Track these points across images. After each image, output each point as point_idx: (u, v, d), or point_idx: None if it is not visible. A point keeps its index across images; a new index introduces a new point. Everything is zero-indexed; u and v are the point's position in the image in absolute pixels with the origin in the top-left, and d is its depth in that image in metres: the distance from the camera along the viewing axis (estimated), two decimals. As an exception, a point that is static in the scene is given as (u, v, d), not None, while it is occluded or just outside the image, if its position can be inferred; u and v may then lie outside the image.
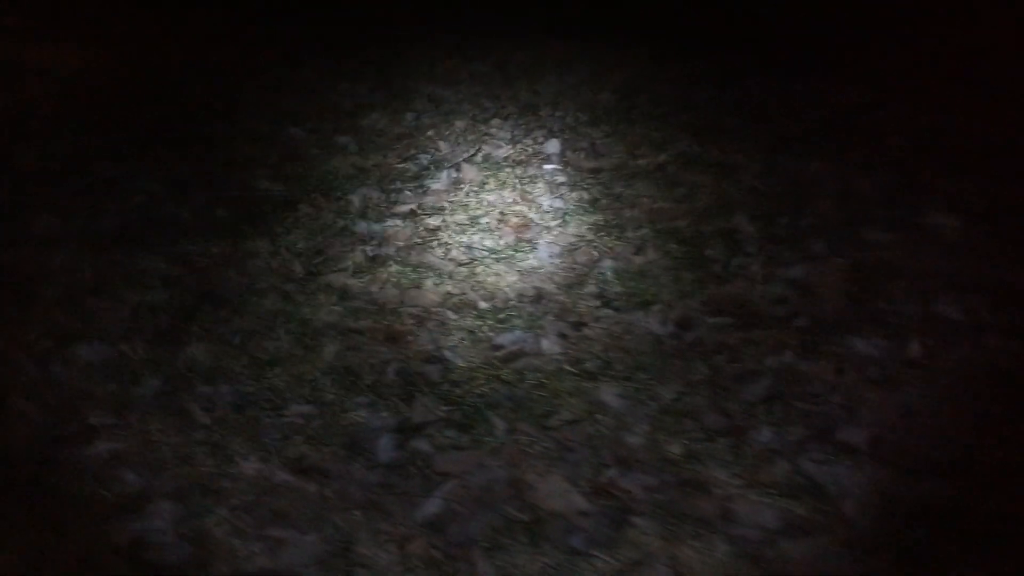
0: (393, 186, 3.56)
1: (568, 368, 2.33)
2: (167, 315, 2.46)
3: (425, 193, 3.51)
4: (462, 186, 3.58)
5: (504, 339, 2.51)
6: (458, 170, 3.72)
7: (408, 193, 3.50)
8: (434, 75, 5.44)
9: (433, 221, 3.25)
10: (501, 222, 3.28)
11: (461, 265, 2.94)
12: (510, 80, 5.40)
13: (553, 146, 4.07)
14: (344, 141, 4.07)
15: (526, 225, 3.26)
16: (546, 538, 1.73)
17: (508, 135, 4.25)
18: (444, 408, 2.15)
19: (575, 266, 2.98)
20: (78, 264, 2.67)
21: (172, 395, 2.10)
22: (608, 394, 2.21)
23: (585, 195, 3.57)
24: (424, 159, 3.87)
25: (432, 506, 1.81)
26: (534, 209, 3.40)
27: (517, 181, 3.65)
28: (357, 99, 4.83)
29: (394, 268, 2.88)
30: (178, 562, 1.59)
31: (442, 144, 4.07)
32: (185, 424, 2.00)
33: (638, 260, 3.02)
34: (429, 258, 2.98)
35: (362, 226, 3.16)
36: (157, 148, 3.81)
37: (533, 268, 2.95)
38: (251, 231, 3.07)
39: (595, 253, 3.08)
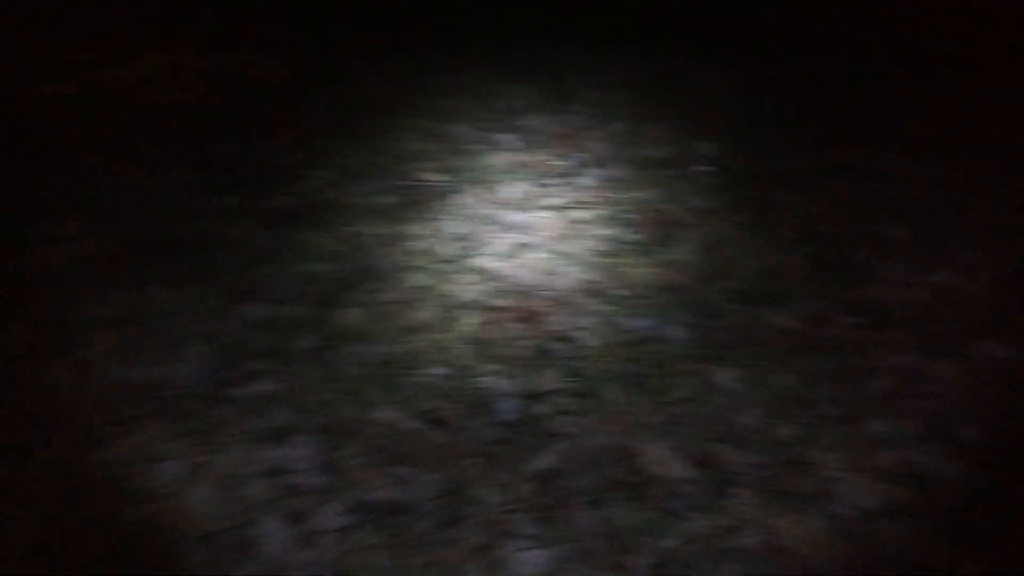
0: (546, 181, 3.76)
1: (690, 352, 2.43)
2: (328, 284, 2.74)
3: (576, 189, 3.68)
4: (613, 183, 3.74)
5: (634, 324, 2.64)
6: (610, 168, 3.88)
7: (560, 188, 3.68)
8: (594, 80, 5.63)
9: (580, 214, 3.42)
10: (645, 218, 3.40)
11: (602, 255, 3.09)
12: (670, 86, 5.52)
13: (709, 148, 4.16)
14: (504, 139, 4.31)
15: (670, 222, 3.38)
16: (647, 498, 1.86)
17: (664, 136, 4.37)
18: (567, 379, 2.30)
19: (715, 262, 3.07)
20: (253, 237, 3.01)
21: (324, 351, 2.36)
22: (725, 378, 2.30)
23: (735, 196, 3.64)
24: (579, 157, 4.05)
25: (543, 461, 1.97)
26: (681, 207, 3.50)
27: (668, 180, 3.77)
28: (519, 100, 5.07)
29: (537, 255, 3.06)
30: (312, 487, 1.83)
31: (598, 144, 4.24)
32: (333, 375, 2.25)
33: (778, 259, 3.08)
34: (572, 248, 3.14)
35: (512, 216, 3.37)
36: (329, 141, 4.17)
37: (671, 262, 3.06)
38: (411, 216, 3.34)
39: (736, 251, 3.15)
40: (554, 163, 4.00)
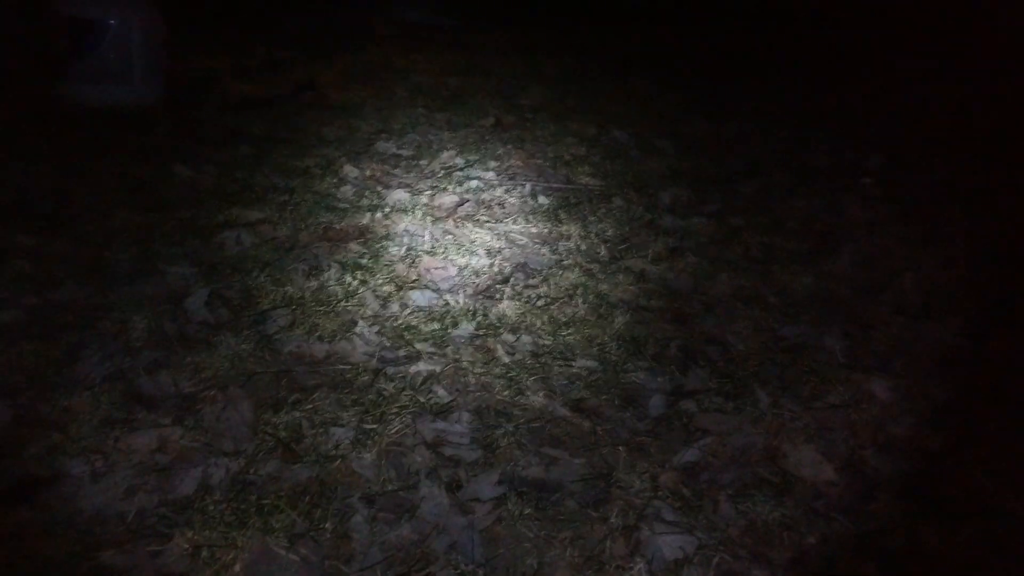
0: (703, 187, 3.81)
1: (843, 360, 2.45)
2: (486, 277, 2.90)
3: (734, 196, 3.72)
4: (772, 191, 3.75)
5: (788, 331, 2.67)
6: (770, 176, 3.90)
7: (717, 194, 3.73)
8: (760, 89, 5.62)
9: (736, 221, 3.46)
10: (804, 226, 3.41)
11: (758, 262, 3.13)
12: (838, 94, 5.44)
13: (875, 160, 4.10)
14: (663, 144, 4.38)
15: (831, 231, 3.37)
16: (791, 496, 1.90)
17: (828, 146, 4.34)
18: (717, 380, 2.37)
19: (875, 274, 3.05)
20: (419, 231, 3.21)
21: (483, 338, 2.51)
22: (879, 386, 2.31)
23: (901, 209, 3.59)
24: (737, 164, 4.08)
25: (689, 455, 2.04)
26: (844, 217, 3.49)
27: (829, 190, 3.75)
28: (680, 108, 5.13)
29: (692, 259, 3.12)
30: (469, 460, 1.98)
31: (758, 151, 4.26)
32: (490, 360, 2.40)
33: (945, 275, 3.03)
34: (727, 254, 3.19)
35: (668, 220, 3.45)
36: (493, 144, 4.36)
37: (831, 272, 3.06)
38: (567, 217, 3.47)
39: (900, 264, 3.12)
40: (712, 170, 4.04)
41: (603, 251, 3.19)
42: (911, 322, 2.73)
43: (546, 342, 2.54)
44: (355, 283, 2.79)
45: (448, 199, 3.57)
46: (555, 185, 3.86)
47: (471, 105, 5.17)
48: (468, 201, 3.58)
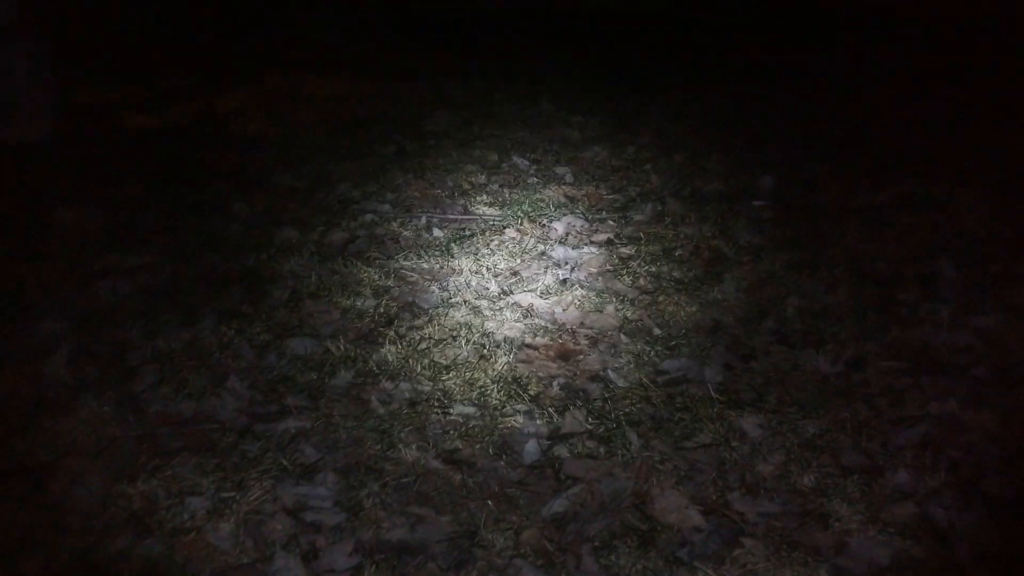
0: (598, 215, 3.80)
1: (717, 396, 2.44)
2: (369, 320, 2.84)
3: (627, 224, 3.71)
4: (664, 218, 3.75)
5: (669, 365, 2.65)
6: (663, 203, 3.90)
7: (611, 223, 3.72)
8: (664, 108, 5.64)
9: (627, 250, 3.45)
10: (693, 254, 3.41)
11: (645, 293, 3.12)
12: (740, 114, 5.49)
13: (767, 182, 4.14)
14: (562, 172, 4.37)
15: (718, 259, 3.38)
16: (655, 546, 1.87)
17: (724, 169, 4.36)
18: (593, 421, 2.34)
19: (759, 301, 3.06)
20: (305, 271, 3.14)
21: (359, 388, 2.45)
22: (750, 424, 2.30)
23: (788, 232, 3.62)
24: (633, 191, 4.08)
25: (558, 504, 2.00)
26: (730, 244, 3.50)
27: (720, 216, 3.77)
28: (586, 132, 5.13)
29: (580, 292, 3.10)
30: (330, 525, 1.91)
31: (655, 177, 4.27)
32: (364, 412, 2.33)
33: (826, 299, 3.05)
34: (616, 285, 3.17)
35: (559, 252, 3.42)
36: (393, 173, 4.30)
37: (716, 301, 3.06)
38: (460, 251, 3.43)
39: (782, 289, 3.14)
40: (608, 197, 4.04)
41: (493, 286, 3.15)
42: (789, 351, 2.73)
43: (425, 388, 2.49)
44: (231, 333, 2.70)
45: (339, 236, 3.51)
46: (451, 216, 3.82)
47: (375, 132, 5.11)
48: (360, 237, 3.51)
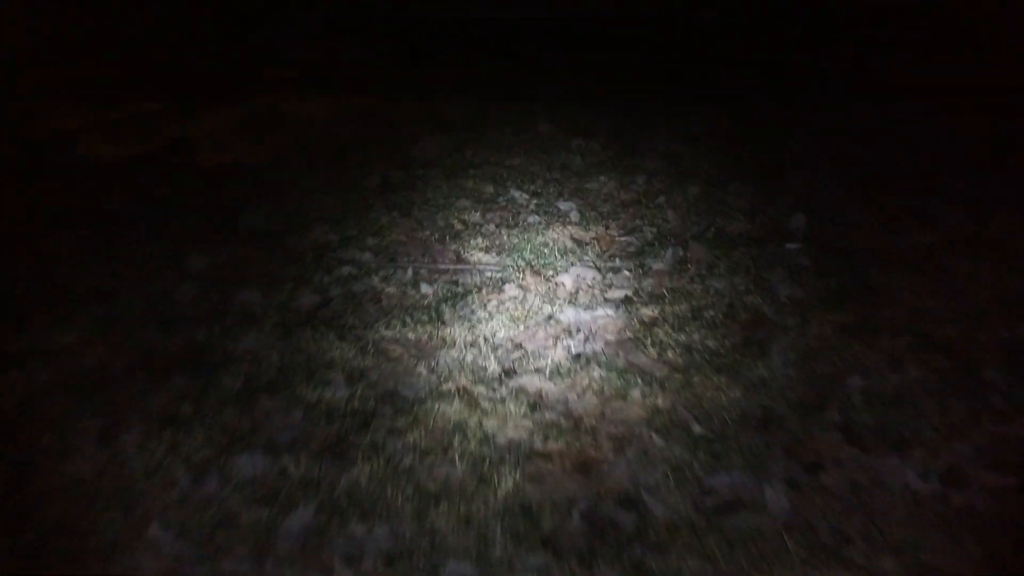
0: (611, 264, 3.11)
1: (795, 542, 1.76)
2: (339, 421, 2.15)
3: (645, 274, 3.03)
4: (688, 267, 3.07)
5: (718, 481, 1.98)
6: (685, 247, 3.21)
7: (626, 274, 3.03)
8: (671, 128, 4.96)
9: (650, 311, 2.76)
10: (728, 316, 2.73)
11: (676, 370, 2.44)
12: (754, 136, 4.80)
13: (798, 220, 3.45)
14: (566, 208, 3.67)
15: (758, 321, 2.70)
16: None
17: (747, 204, 3.68)
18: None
19: (815, 380, 2.39)
20: (265, 350, 2.45)
21: (320, 534, 1.77)
22: (843, 587, 1.63)
23: (833, 284, 2.94)
24: (649, 232, 3.39)
25: None
26: (769, 301, 2.82)
27: (752, 263, 3.09)
28: (589, 157, 4.44)
29: (598, 372, 2.42)
30: None
31: (671, 214, 3.58)
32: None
33: (894, 379, 2.37)
34: (640, 359, 2.49)
35: (570, 314, 2.74)
36: (370, 212, 3.61)
37: (762, 380, 2.39)
38: (452, 314, 2.74)
39: (840, 364, 2.46)
40: (621, 239, 3.35)
41: (492, 363, 2.47)
42: (864, 457, 2.06)
43: (407, 531, 1.80)
44: (162, 450, 2.01)
45: (309, 299, 2.81)
46: (442, 266, 3.12)
47: (359, 160, 4.40)
48: (334, 299, 2.82)
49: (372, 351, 2.50)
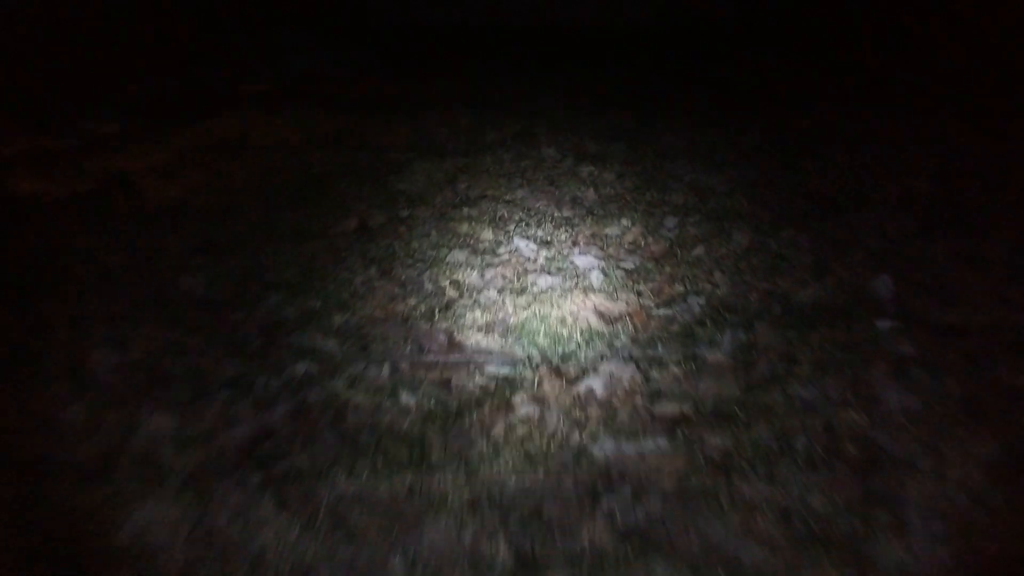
0: (652, 353, 2.21)
1: None
2: None
3: (700, 372, 2.12)
4: (757, 361, 2.16)
5: None
6: (748, 329, 2.31)
7: (675, 371, 2.12)
8: (694, 152, 4.05)
9: (718, 440, 1.86)
10: (831, 450, 1.83)
11: (776, 553, 1.54)
12: (794, 158, 3.89)
13: (884, 284, 2.55)
14: (585, 264, 2.77)
15: (874, 459, 1.80)
16: None
17: (810, 258, 2.77)
18: None
19: (965, 550, 1.50)
20: (163, 532, 1.55)
21: None
22: None
23: (954, 387, 2.05)
24: (696, 303, 2.48)
25: None
26: (879, 419, 1.92)
27: (842, 354, 2.18)
28: (603, 189, 3.53)
29: (660, 567, 1.52)
30: None
31: (719, 275, 2.67)
32: None
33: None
34: (718, 533, 1.59)
35: (607, 447, 1.83)
36: (349, 268, 2.69)
37: (898, 563, 1.50)
38: (441, 448, 1.84)
39: (996, 525, 1.57)
40: (659, 313, 2.44)
41: (501, 548, 1.57)
42: None
43: None
44: None
45: (242, 430, 1.90)
46: (430, 359, 2.22)
47: (332, 196, 3.49)
48: (278, 429, 1.91)
49: (324, 526, 1.60)
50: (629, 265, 2.77)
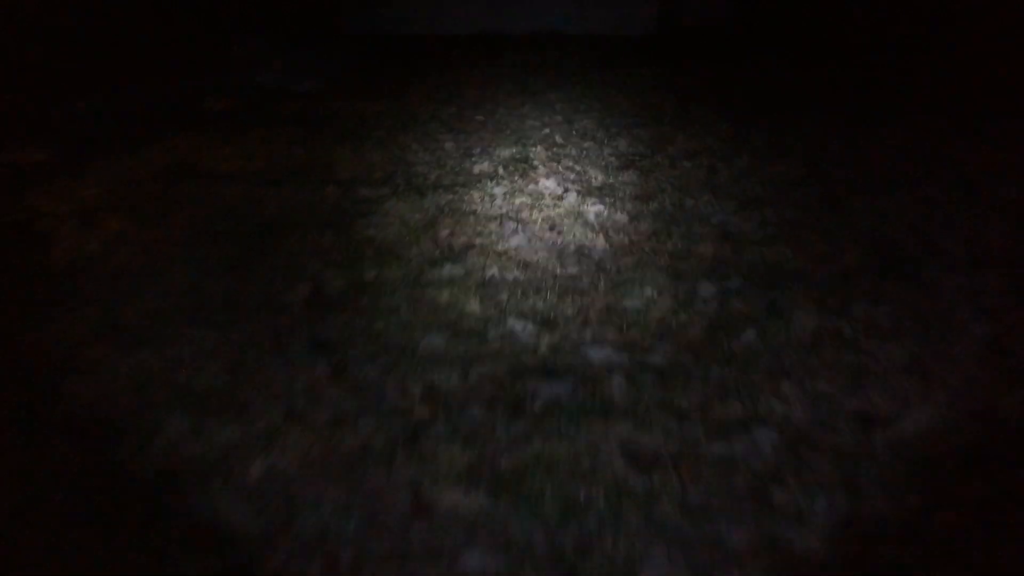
0: (713, 533, 1.41)
1: None
2: None
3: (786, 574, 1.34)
4: (873, 553, 1.37)
5: None
6: (852, 495, 1.51)
7: (750, 570, 1.34)
8: (717, 182, 3.26)
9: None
10: None
11: None
12: (832, 188, 3.07)
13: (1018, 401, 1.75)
14: (600, 359, 1.97)
15: None
16: None
17: (900, 351, 1.98)
18: None
19: None
20: None
21: None
22: None
23: None
24: (765, 437, 1.69)
25: None
26: None
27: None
28: (614, 237, 2.73)
29: None
30: None
31: (786, 387, 1.87)
32: None
33: None
34: None
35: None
36: (290, 364, 1.89)
37: None
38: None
39: None
40: (714, 452, 1.65)
41: None
42: None
43: None
44: None
45: None
46: (386, 542, 1.42)
47: (284, 251, 2.69)
48: None
49: None
50: (659, 360, 1.98)
